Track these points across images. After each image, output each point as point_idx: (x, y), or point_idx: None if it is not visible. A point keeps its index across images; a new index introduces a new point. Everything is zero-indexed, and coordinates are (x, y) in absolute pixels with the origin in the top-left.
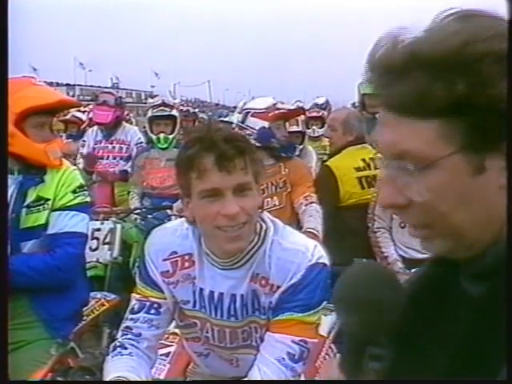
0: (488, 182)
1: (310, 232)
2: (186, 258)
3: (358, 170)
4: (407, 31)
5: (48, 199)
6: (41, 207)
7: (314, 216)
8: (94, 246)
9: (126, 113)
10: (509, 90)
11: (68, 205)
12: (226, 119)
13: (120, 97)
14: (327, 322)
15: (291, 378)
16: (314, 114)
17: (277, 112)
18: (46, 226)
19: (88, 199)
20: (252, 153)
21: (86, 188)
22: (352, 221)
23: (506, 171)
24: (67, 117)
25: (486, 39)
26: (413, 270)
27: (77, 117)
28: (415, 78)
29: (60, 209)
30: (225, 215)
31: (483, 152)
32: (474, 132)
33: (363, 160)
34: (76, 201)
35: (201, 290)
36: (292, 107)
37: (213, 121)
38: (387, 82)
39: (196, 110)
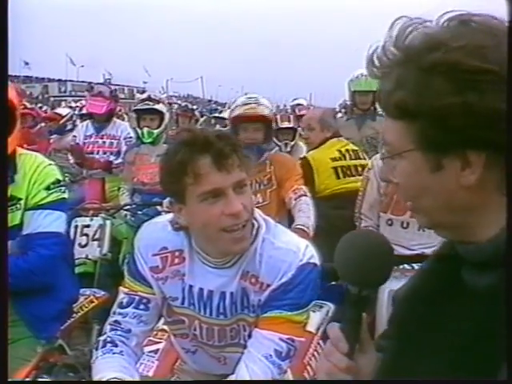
0: (447, 178)
1: (299, 229)
2: (177, 254)
3: (334, 160)
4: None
5: (20, 198)
6: (14, 207)
7: (303, 210)
8: (83, 243)
9: (118, 108)
10: (509, 91)
11: (41, 203)
12: (220, 115)
13: (115, 89)
14: (316, 318)
15: (277, 376)
16: (304, 112)
17: (232, 115)
18: (21, 226)
19: (65, 195)
20: (241, 148)
21: (62, 183)
22: (329, 211)
23: (506, 171)
24: (47, 114)
25: (448, 50)
26: (400, 267)
27: (57, 113)
28: (392, 78)
29: (33, 208)
30: (230, 214)
31: (440, 153)
32: (428, 135)
33: (339, 151)
34: (50, 198)
35: (190, 286)
36: (246, 112)
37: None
38: (383, 74)
39: (194, 107)
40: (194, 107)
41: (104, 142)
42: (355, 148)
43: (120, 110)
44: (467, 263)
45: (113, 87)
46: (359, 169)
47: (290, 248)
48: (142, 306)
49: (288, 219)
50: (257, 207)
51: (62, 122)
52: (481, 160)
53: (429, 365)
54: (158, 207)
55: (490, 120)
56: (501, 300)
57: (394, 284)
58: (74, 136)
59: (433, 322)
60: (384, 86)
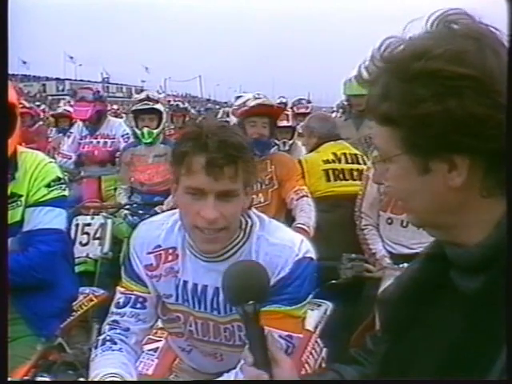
0: (435, 181)
1: (299, 228)
2: (170, 251)
3: (327, 162)
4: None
5: (21, 195)
6: (14, 204)
7: (305, 210)
8: (84, 241)
9: (116, 107)
10: (509, 91)
11: (42, 200)
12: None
13: (98, 91)
14: (314, 317)
15: None
16: (303, 111)
17: (243, 108)
18: (22, 223)
19: (65, 193)
20: (246, 161)
21: (63, 181)
22: (320, 214)
23: (506, 171)
24: (58, 111)
25: (429, 58)
26: (400, 265)
27: (68, 110)
28: (378, 87)
29: (34, 204)
30: (203, 217)
31: (426, 157)
32: (412, 141)
33: (334, 154)
34: (50, 195)
35: (184, 282)
36: (264, 103)
37: (212, 120)
38: (371, 82)
39: (186, 105)
40: (186, 105)
41: (98, 142)
42: (355, 152)
43: (118, 109)
44: (456, 266)
45: (110, 87)
46: (355, 173)
47: (285, 243)
48: (138, 305)
49: (286, 219)
50: (258, 207)
51: (74, 120)
52: (466, 163)
53: (418, 364)
54: (157, 209)
55: (469, 125)
56: (489, 304)
57: None
58: (71, 132)
59: (421, 321)
60: (371, 94)
